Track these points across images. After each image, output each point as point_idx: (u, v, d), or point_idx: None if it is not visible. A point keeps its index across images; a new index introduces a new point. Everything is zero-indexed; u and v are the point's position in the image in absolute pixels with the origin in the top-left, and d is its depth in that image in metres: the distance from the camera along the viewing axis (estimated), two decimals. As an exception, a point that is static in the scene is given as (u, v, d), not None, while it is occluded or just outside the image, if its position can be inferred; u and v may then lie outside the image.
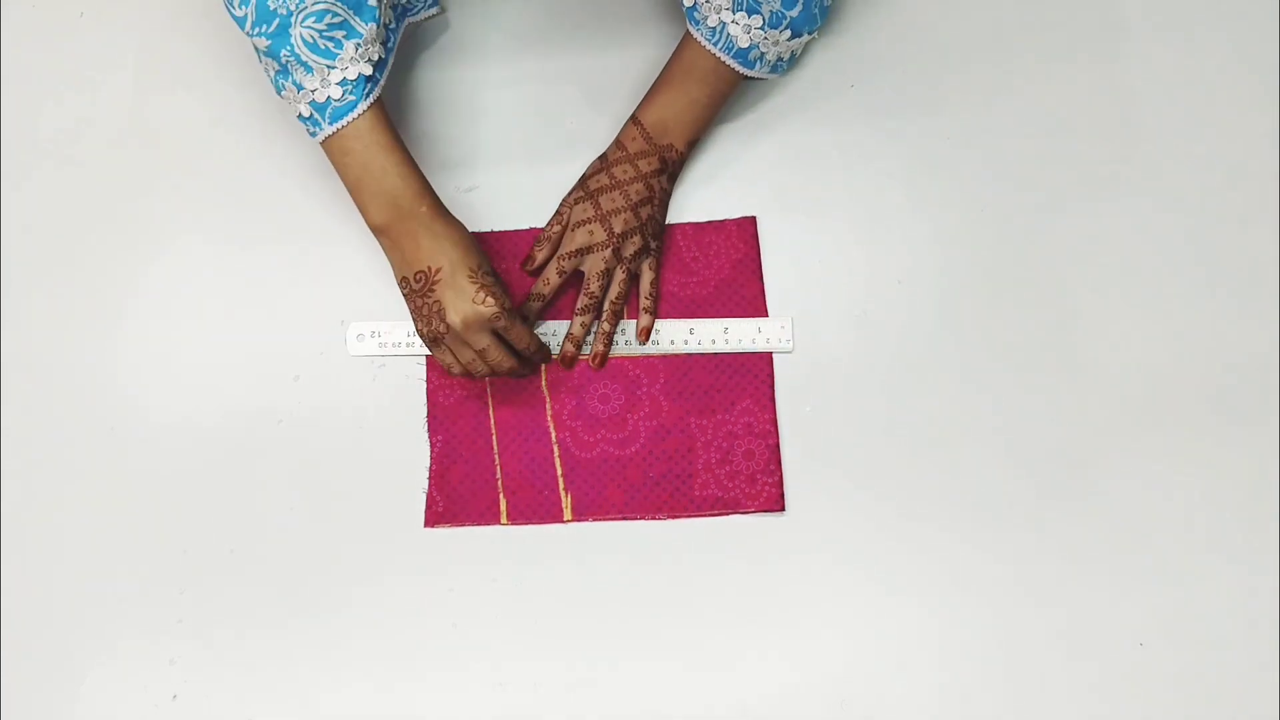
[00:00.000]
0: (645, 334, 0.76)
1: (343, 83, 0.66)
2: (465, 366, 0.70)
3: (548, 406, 0.76)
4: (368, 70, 0.67)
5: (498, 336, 0.69)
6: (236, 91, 0.84)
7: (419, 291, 0.68)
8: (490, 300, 0.67)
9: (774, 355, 0.76)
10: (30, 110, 0.84)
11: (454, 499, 0.74)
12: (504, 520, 0.74)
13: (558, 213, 0.77)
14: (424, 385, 0.77)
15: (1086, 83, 0.82)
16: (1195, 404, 0.75)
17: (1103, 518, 0.73)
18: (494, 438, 0.76)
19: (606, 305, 0.75)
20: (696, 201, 0.79)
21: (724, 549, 0.73)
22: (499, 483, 0.75)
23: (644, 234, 0.75)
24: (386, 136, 0.68)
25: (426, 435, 0.76)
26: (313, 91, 0.66)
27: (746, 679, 0.71)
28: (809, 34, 0.74)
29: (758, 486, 0.74)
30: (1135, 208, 0.79)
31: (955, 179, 0.80)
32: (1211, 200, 0.79)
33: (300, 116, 0.68)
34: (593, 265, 0.74)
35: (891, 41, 0.83)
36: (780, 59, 0.74)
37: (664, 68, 0.76)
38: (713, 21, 0.71)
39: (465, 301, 0.67)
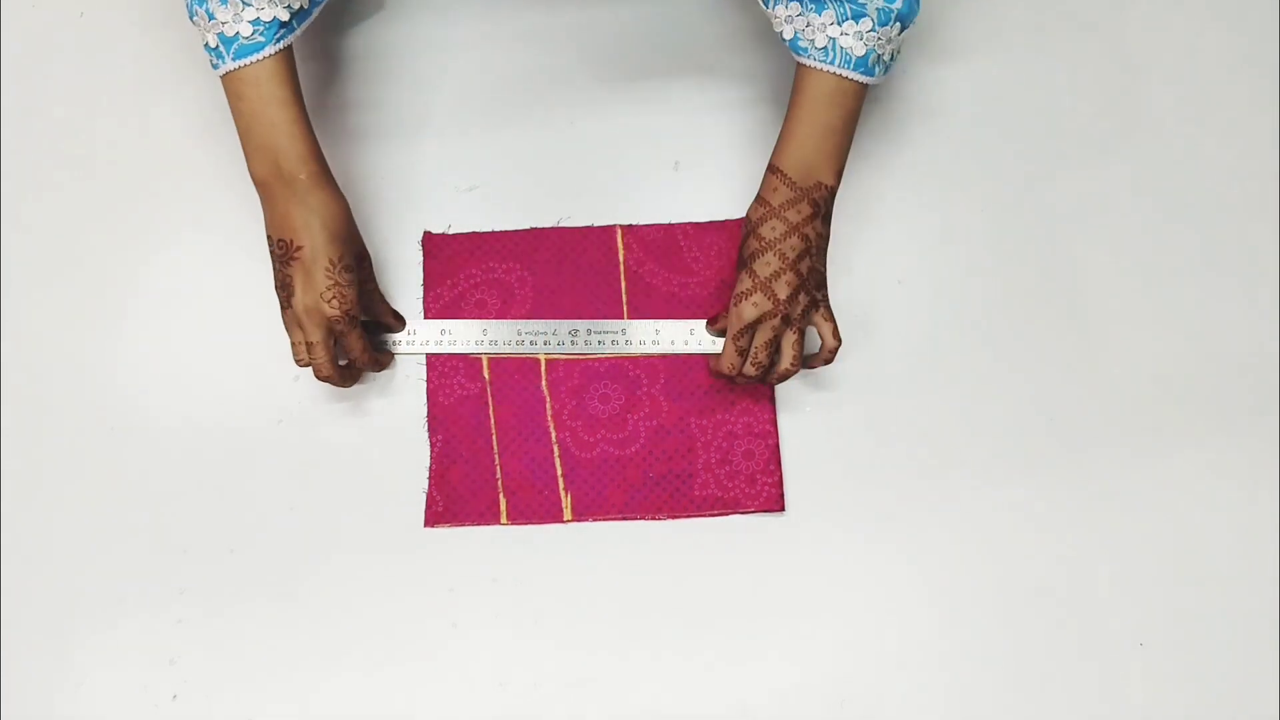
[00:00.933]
0: (825, 362, 0.72)
1: (255, 22, 0.65)
2: (294, 347, 0.70)
3: (548, 406, 0.76)
4: (284, 16, 0.66)
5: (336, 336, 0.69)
6: (237, 91, 0.84)
7: (279, 258, 0.68)
8: (335, 302, 0.67)
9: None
10: (30, 110, 0.84)
11: (454, 499, 0.74)
12: (504, 520, 0.74)
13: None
14: (424, 385, 0.77)
15: (1088, 81, 0.82)
16: (1196, 404, 0.75)
17: (1103, 518, 0.73)
18: (494, 437, 0.76)
19: (774, 378, 0.71)
20: (697, 201, 0.79)
21: (724, 549, 0.73)
22: (499, 482, 0.75)
23: (808, 290, 0.69)
24: (285, 90, 0.66)
25: (426, 435, 0.76)
26: (223, 24, 0.65)
27: (746, 678, 0.71)
28: (912, 22, 0.70)
29: (757, 486, 0.74)
30: (1137, 207, 0.79)
31: (955, 179, 0.80)
32: (1215, 198, 0.79)
33: (206, 45, 0.66)
34: (761, 336, 0.69)
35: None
36: (895, 56, 0.69)
37: (788, 109, 0.70)
38: (821, 42, 0.66)
39: (313, 293, 0.67)
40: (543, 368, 0.77)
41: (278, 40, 0.66)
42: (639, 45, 0.83)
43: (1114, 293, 0.77)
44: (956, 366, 0.76)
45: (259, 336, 0.78)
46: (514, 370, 0.77)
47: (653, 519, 0.74)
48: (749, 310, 0.69)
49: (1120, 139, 0.81)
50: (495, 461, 0.75)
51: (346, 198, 0.70)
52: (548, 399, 0.76)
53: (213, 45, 0.66)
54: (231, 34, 0.65)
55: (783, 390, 0.76)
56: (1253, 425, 0.75)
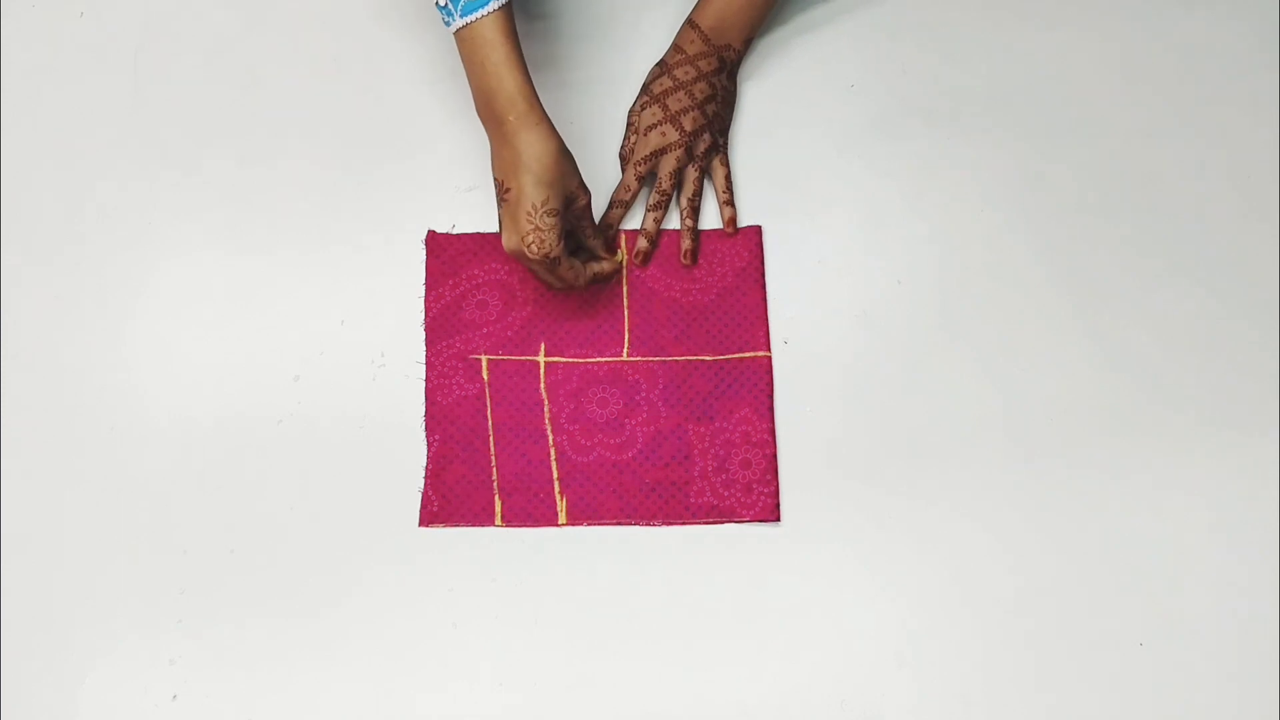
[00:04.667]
0: (731, 223, 0.78)
1: None
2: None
3: (546, 409, 0.76)
4: None
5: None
6: (237, 91, 0.84)
7: (498, 197, 0.71)
8: (534, 246, 0.69)
9: (773, 358, 0.76)
10: (30, 110, 0.84)
11: (449, 499, 0.74)
12: (498, 521, 0.74)
13: (629, 124, 0.80)
14: (423, 385, 0.77)
15: (1088, 82, 0.82)
16: (1196, 403, 0.75)
17: (1103, 518, 0.73)
18: (491, 439, 0.75)
19: (684, 203, 0.78)
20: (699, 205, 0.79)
21: (720, 555, 0.73)
22: (494, 484, 0.75)
23: (712, 131, 0.78)
24: (500, 38, 0.69)
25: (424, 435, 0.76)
26: None
27: (742, 686, 0.71)
28: None
29: (754, 496, 0.73)
30: (1136, 207, 0.79)
31: (955, 179, 0.80)
32: (1215, 198, 0.79)
33: (438, 4, 0.70)
34: (665, 165, 0.77)
35: (891, 41, 0.83)
36: None
37: None
38: None
39: (515, 236, 0.70)
40: (541, 370, 0.77)
41: None
42: (640, 45, 0.83)
43: (1115, 293, 0.77)
44: (956, 367, 0.76)
45: (259, 336, 0.78)
46: (513, 372, 0.77)
47: (648, 525, 0.74)
48: (656, 138, 0.77)
49: (1120, 138, 0.80)
50: (491, 463, 0.75)
51: (559, 140, 0.71)
52: (545, 401, 0.76)
53: (442, 4, 0.70)
54: None
55: (781, 391, 0.76)
56: (1253, 425, 0.75)
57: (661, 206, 0.78)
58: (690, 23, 0.79)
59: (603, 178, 0.80)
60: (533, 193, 0.69)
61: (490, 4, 0.69)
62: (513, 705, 0.71)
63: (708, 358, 0.76)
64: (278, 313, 0.79)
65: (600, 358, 0.77)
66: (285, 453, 0.76)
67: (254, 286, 0.79)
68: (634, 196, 0.78)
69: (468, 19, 0.69)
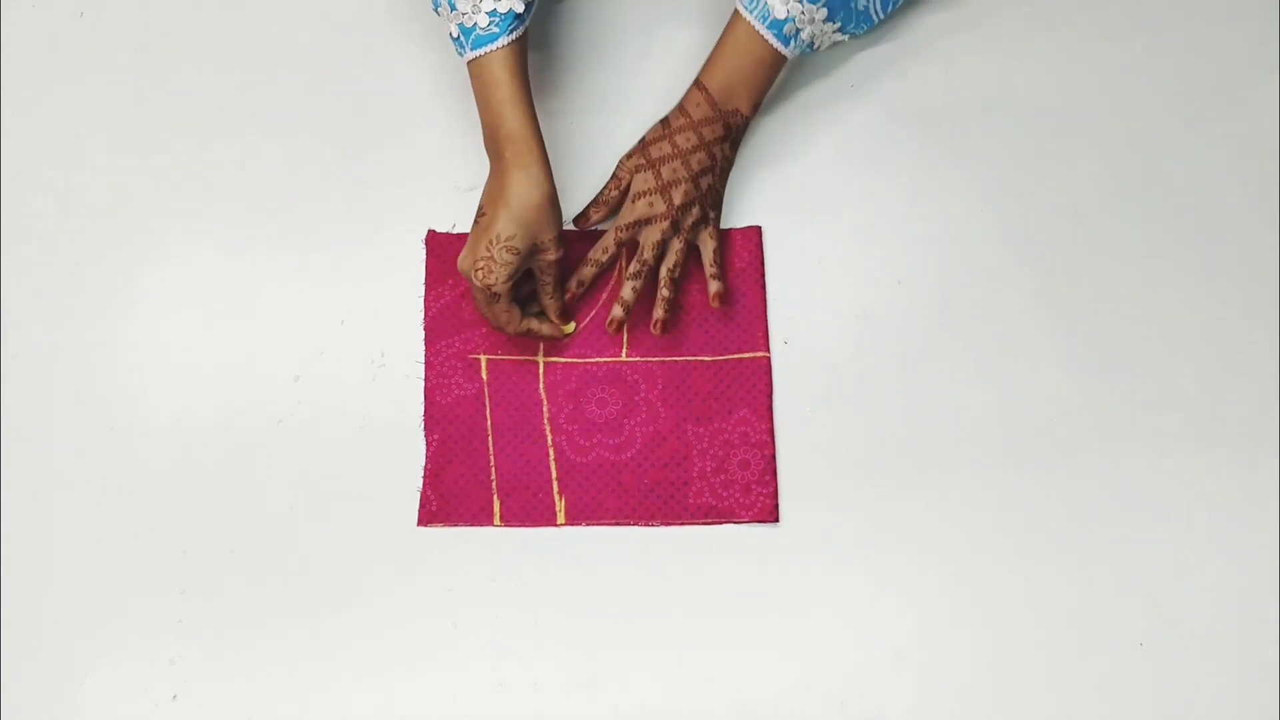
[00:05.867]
0: (718, 298, 0.75)
1: (492, 13, 0.70)
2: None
3: (544, 409, 0.76)
4: (519, 7, 0.71)
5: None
6: (237, 91, 0.84)
7: (475, 218, 0.72)
8: (480, 274, 0.70)
9: (772, 359, 0.76)
10: (30, 110, 0.84)
11: (448, 499, 0.74)
12: (497, 521, 0.74)
13: (615, 176, 0.77)
14: (422, 384, 0.77)
15: (1088, 81, 0.82)
16: (1196, 403, 0.75)
17: (1103, 518, 0.73)
18: (490, 439, 0.75)
19: (663, 273, 0.75)
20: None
21: (719, 556, 0.73)
22: (493, 484, 0.75)
23: (703, 204, 0.75)
24: (508, 76, 0.71)
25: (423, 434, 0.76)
26: (463, 15, 0.71)
27: (742, 686, 0.71)
28: (848, 33, 0.76)
29: (752, 497, 0.73)
30: (1136, 207, 0.79)
31: (955, 179, 0.80)
32: (1215, 198, 0.79)
33: (450, 35, 0.72)
34: (649, 235, 0.74)
35: (892, 42, 0.83)
36: (814, 43, 0.75)
37: (721, 34, 0.76)
38: None
39: (469, 259, 0.71)
40: (540, 370, 0.77)
41: (511, 31, 0.71)
42: (641, 46, 0.83)
43: (1115, 293, 0.77)
44: (956, 367, 0.76)
45: (259, 336, 0.78)
46: (512, 372, 0.77)
47: (646, 525, 0.74)
48: (643, 207, 0.74)
49: (1121, 139, 0.80)
50: (490, 463, 0.75)
51: (551, 189, 0.71)
52: (545, 401, 0.76)
53: (454, 35, 0.72)
54: (470, 25, 0.70)
55: (781, 391, 0.76)
56: (1254, 426, 0.75)
57: (641, 276, 0.74)
58: (698, 84, 0.76)
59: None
60: (502, 225, 0.69)
61: (500, 40, 0.70)
62: (512, 705, 0.71)
63: (707, 358, 0.76)
64: (277, 313, 0.79)
65: (599, 358, 0.77)
66: (285, 453, 0.76)
67: (254, 286, 0.79)
68: (611, 260, 0.76)
69: (477, 53, 0.71)
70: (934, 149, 0.80)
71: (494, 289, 0.70)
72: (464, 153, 0.81)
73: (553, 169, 0.72)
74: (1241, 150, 0.80)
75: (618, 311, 0.74)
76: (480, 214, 0.71)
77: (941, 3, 0.83)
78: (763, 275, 0.78)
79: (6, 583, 0.74)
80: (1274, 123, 0.80)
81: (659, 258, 0.75)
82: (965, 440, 0.74)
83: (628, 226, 0.75)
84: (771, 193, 0.80)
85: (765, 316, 0.77)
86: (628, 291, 0.75)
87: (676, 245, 0.75)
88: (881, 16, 0.78)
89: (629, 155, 0.77)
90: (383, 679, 0.72)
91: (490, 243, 0.70)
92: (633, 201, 0.75)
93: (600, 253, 0.76)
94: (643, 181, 0.75)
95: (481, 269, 0.70)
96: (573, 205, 0.79)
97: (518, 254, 0.70)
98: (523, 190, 0.70)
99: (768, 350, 0.76)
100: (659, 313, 0.75)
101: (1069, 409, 0.75)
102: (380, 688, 0.71)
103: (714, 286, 0.75)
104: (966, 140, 0.80)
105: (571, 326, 0.77)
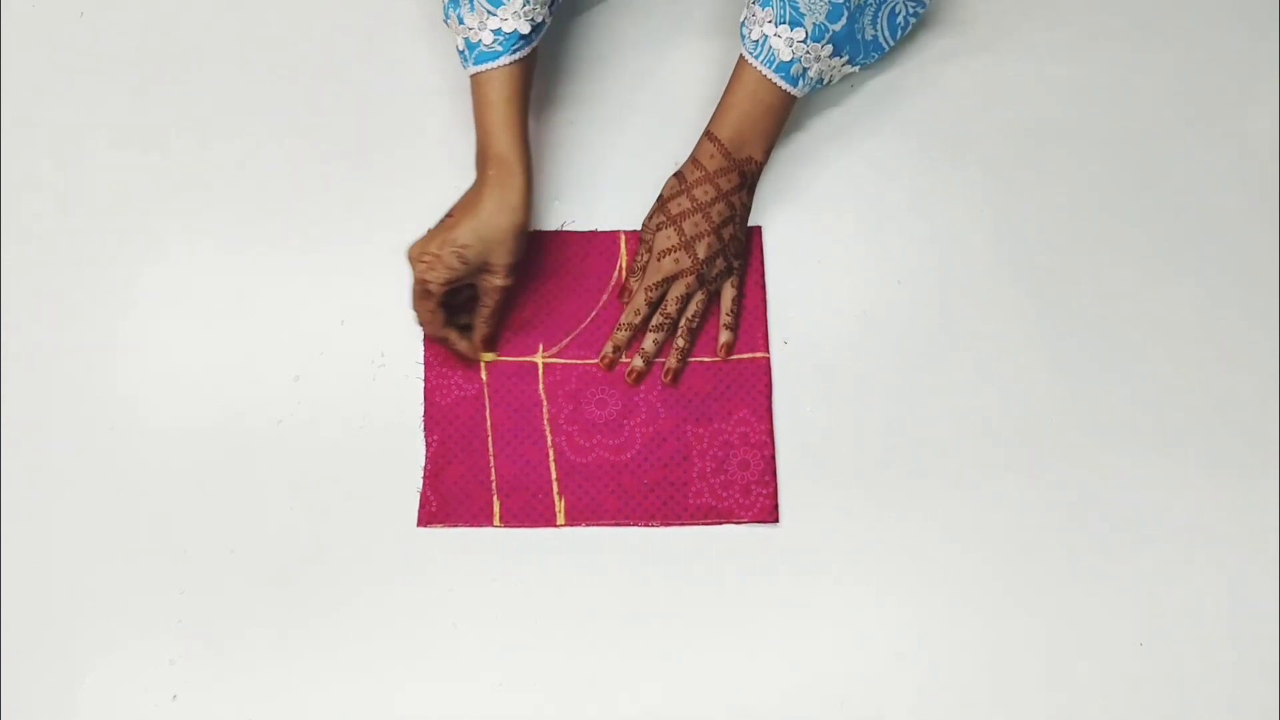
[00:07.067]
0: (726, 349, 0.76)
1: (496, 32, 0.70)
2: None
3: (544, 410, 0.76)
4: (525, 29, 0.71)
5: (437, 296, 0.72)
6: (237, 91, 0.84)
7: (442, 217, 0.73)
8: (422, 267, 0.71)
9: (772, 359, 0.76)
10: (30, 110, 0.84)
11: (447, 499, 0.74)
12: (496, 522, 0.74)
13: (642, 240, 0.77)
14: (422, 384, 0.77)
15: (1088, 81, 0.82)
16: (1196, 403, 0.75)
17: (1103, 519, 0.73)
18: (489, 439, 0.75)
19: (683, 323, 0.76)
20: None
21: (719, 556, 0.73)
22: (493, 484, 0.75)
23: (726, 255, 0.75)
24: (503, 98, 0.71)
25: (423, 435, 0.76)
26: (469, 30, 0.71)
27: (742, 686, 0.71)
28: (857, 64, 0.75)
29: (752, 497, 0.73)
30: (1137, 207, 0.79)
31: (955, 179, 0.80)
32: (1215, 198, 0.79)
33: (457, 47, 0.72)
34: (675, 289, 0.75)
35: (891, 41, 0.82)
36: (823, 79, 0.75)
37: (728, 82, 0.75)
38: (756, 35, 0.72)
39: (419, 248, 0.71)
40: (540, 371, 0.77)
41: (513, 52, 0.71)
42: (642, 46, 0.83)
43: (1115, 294, 0.77)
44: (956, 368, 0.76)
45: (259, 337, 0.78)
46: (512, 372, 0.77)
47: (646, 526, 0.74)
48: (669, 265, 0.74)
49: (1120, 140, 0.80)
50: (490, 463, 0.75)
51: (523, 219, 0.71)
52: (544, 402, 0.76)
53: (460, 48, 0.72)
54: (475, 40, 0.71)
55: (781, 391, 0.76)
56: (1254, 426, 0.75)
57: (664, 329, 0.75)
58: (708, 135, 0.75)
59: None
60: (462, 233, 0.70)
61: (502, 59, 0.71)
62: (512, 705, 0.71)
63: (706, 359, 0.76)
64: (277, 313, 0.79)
65: (599, 359, 0.77)
66: (285, 453, 0.76)
67: (254, 286, 0.79)
68: (644, 321, 0.76)
69: (478, 69, 0.71)
70: (934, 149, 0.80)
71: (429, 287, 0.71)
72: (465, 154, 0.80)
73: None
74: (1241, 152, 0.80)
75: (638, 363, 0.75)
76: (448, 215, 0.72)
77: (941, 4, 0.83)
78: (763, 275, 0.78)
79: (6, 583, 0.74)
80: (1274, 124, 0.80)
81: (681, 310, 0.75)
82: (965, 440, 0.74)
83: (656, 285, 0.75)
84: (771, 192, 0.80)
85: (765, 317, 0.77)
86: (649, 344, 0.75)
87: (700, 297, 0.75)
88: (892, 43, 0.77)
89: (650, 215, 0.77)
90: (382, 679, 0.72)
91: (444, 243, 0.70)
92: (659, 260, 0.75)
93: (634, 315, 0.76)
94: (666, 239, 0.74)
95: (426, 264, 0.70)
96: (573, 211, 0.79)
97: (465, 264, 0.70)
98: (495, 210, 0.70)
99: (767, 351, 0.76)
100: (672, 362, 0.76)
101: (1069, 408, 0.75)
102: (380, 688, 0.71)
103: (724, 337, 0.76)
104: (966, 141, 0.80)
105: (490, 356, 0.77)
